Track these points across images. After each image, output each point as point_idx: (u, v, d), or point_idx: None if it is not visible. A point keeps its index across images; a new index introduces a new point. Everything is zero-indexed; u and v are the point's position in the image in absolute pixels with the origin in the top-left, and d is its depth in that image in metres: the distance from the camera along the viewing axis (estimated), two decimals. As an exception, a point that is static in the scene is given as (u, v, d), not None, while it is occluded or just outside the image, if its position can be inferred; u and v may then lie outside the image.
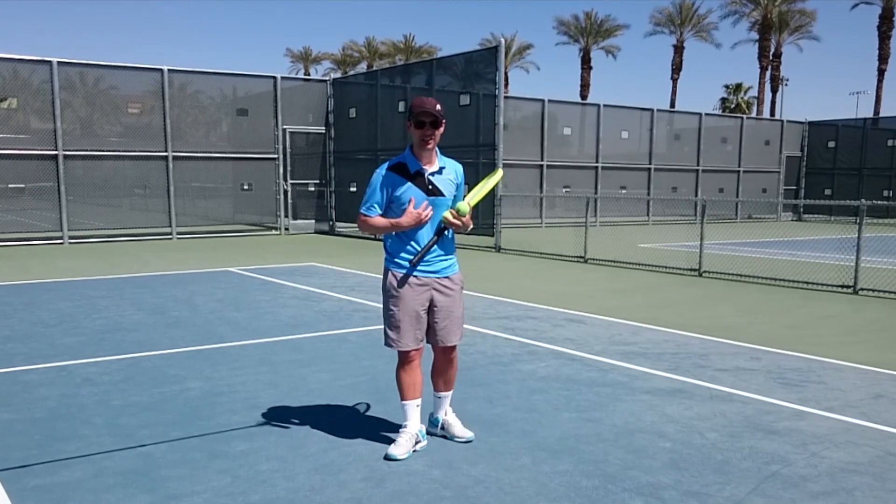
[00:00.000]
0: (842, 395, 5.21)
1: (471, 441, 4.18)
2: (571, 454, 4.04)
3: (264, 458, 3.94)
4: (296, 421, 4.54)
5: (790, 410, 4.85)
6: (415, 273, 3.95)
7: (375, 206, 3.97)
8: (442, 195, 3.97)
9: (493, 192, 14.75)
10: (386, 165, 4.00)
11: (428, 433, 4.27)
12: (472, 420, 4.47)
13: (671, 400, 5.04)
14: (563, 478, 3.73)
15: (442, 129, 3.94)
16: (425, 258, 3.95)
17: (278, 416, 4.64)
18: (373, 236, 17.99)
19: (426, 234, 3.96)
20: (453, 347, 4.15)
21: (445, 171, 4.03)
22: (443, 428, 4.26)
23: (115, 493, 3.50)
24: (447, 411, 4.27)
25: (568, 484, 3.65)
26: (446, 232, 4.02)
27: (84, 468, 3.80)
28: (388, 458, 3.92)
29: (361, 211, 4.00)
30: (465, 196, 4.08)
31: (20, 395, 5.01)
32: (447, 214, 3.93)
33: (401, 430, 4.07)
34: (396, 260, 3.99)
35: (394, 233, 3.99)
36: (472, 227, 4.06)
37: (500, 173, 4.37)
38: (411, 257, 3.95)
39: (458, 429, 4.23)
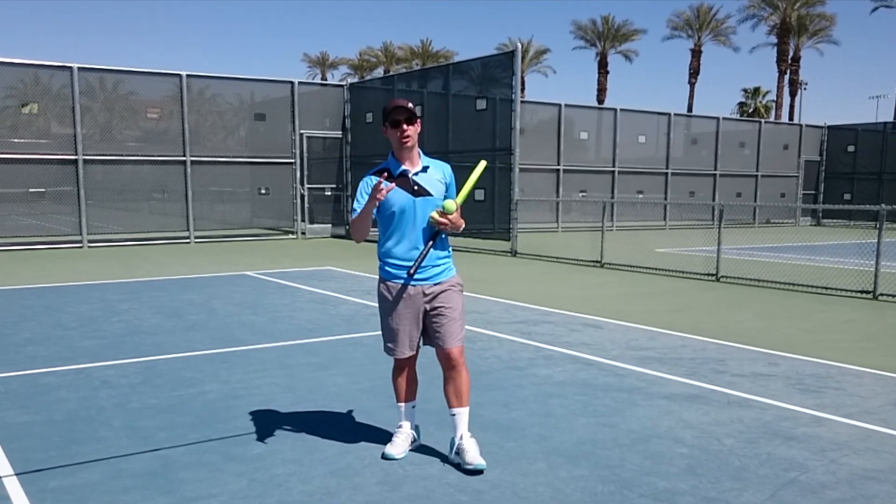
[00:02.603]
0: (861, 401, 5.16)
1: (481, 471, 3.81)
2: (588, 459, 4.03)
3: (280, 462, 3.96)
4: (312, 424, 4.55)
5: (808, 417, 4.81)
6: (409, 283, 3.85)
7: (358, 210, 3.88)
8: (430, 195, 3.84)
9: (509, 196, 14.78)
10: (370, 172, 3.93)
11: (447, 458, 4.05)
12: (487, 424, 4.47)
13: (688, 405, 5.01)
14: (579, 483, 3.71)
15: (418, 127, 3.85)
16: (420, 266, 3.82)
17: (294, 419, 4.66)
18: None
19: (411, 240, 3.83)
20: (456, 352, 3.92)
21: (431, 170, 3.92)
22: (457, 453, 3.93)
23: (132, 495, 3.53)
24: (463, 435, 3.95)
25: (584, 489, 3.64)
26: (440, 236, 3.88)
27: (102, 470, 3.83)
28: (385, 457, 3.99)
29: (351, 217, 3.93)
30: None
31: (40, 398, 5.06)
32: (434, 214, 3.78)
33: (397, 429, 4.12)
34: (386, 269, 3.90)
35: (385, 242, 3.90)
36: (463, 226, 3.90)
37: (482, 164, 4.15)
38: (402, 263, 3.83)
39: (470, 455, 3.86)
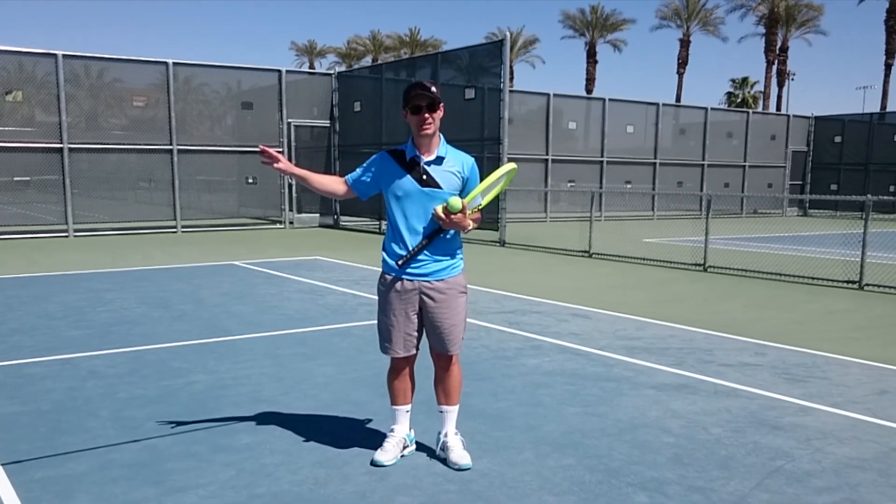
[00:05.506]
0: (847, 390, 5.21)
1: (467, 469, 3.73)
2: (575, 449, 4.05)
3: (269, 451, 3.95)
4: (300, 414, 4.55)
5: (795, 406, 4.84)
6: (402, 276, 3.65)
7: (354, 176, 3.76)
8: (438, 187, 3.58)
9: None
10: (386, 150, 3.74)
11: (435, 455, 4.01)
12: (476, 414, 4.48)
13: (676, 395, 5.03)
14: (567, 472, 3.73)
15: (440, 113, 3.58)
16: (416, 259, 3.63)
17: (283, 409, 4.65)
18: (377, 230, 17.97)
19: (413, 233, 3.61)
20: (449, 357, 3.82)
21: (447, 162, 3.64)
22: (442, 449, 3.87)
23: (120, 485, 3.52)
24: (448, 432, 3.87)
25: (572, 478, 3.66)
26: (443, 234, 3.63)
27: (89, 460, 3.81)
28: (374, 463, 3.77)
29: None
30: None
31: (26, 388, 5.03)
32: (437, 208, 3.52)
33: (388, 434, 3.91)
34: (387, 260, 3.70)
35: (388, 231, 3.73)
36: (471, 227, 3.64)
37: (509, 167, 3.76)
38: (399, 254, 3.64)
39: (455, 453, 3.78)
